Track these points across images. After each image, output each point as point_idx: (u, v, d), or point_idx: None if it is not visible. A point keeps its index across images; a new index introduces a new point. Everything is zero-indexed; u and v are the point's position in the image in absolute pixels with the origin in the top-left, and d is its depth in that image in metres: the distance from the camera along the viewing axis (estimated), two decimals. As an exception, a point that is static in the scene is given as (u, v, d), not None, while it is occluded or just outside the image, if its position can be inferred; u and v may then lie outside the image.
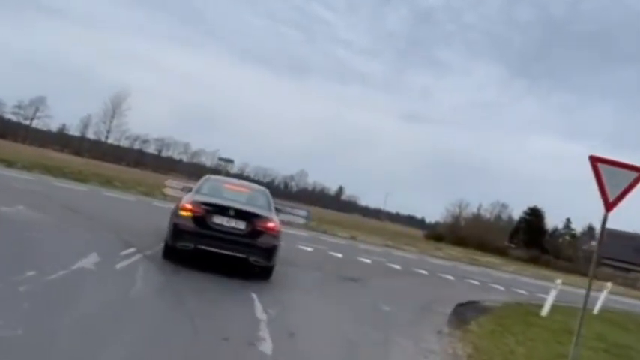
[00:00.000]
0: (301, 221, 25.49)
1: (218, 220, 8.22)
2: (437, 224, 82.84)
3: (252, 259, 8.49)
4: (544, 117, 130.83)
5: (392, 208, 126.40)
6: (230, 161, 25.31)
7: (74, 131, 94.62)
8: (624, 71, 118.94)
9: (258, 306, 7.03)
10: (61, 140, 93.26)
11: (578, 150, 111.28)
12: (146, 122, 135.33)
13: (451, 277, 16.88)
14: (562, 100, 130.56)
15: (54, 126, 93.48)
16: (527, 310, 12.84)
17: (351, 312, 8.39)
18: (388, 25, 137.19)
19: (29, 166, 25.52)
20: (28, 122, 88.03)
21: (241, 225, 8.31)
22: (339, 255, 15.67)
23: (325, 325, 7.13)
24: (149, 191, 25.11)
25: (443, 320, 9.45)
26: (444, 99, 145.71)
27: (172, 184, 24.01)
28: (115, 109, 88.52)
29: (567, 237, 59.63)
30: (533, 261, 52.57)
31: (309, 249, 15.45)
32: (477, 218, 72.31)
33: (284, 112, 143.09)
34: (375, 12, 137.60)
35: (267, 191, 10.48)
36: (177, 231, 8.22)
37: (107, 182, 27.01)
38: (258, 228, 8.46)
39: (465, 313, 11.00)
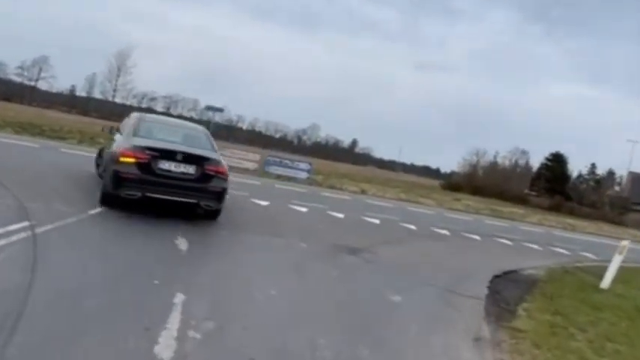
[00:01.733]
0: (304, 175, 22.45)
1: (165, 165, 7.63)
2: (453, 174, 79.77)
3: (203, 203, 8.07)
4: (562, 62, 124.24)
5: (407, 159, 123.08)
6: (219, 110, 22.07)
7: (81, 91, 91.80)
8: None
9: (173, 324, 4.04)
10: (69, 101, 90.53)
11: (597, 95, 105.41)
12: (153, 80, 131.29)
13: (477, 237, 13.77)
14: (580, 44, 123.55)
15: (59, 86, 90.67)
16: (582, 282, 9.77)
17: (340, 312, 5.37)
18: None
19: (3, 125, 22.65)
20: (32, 83, 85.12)
21: (191, 169, 7.81)
22: (341, 215, 12.60)
23: (287, 351, 4.10)
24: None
25: (478, 312, 6.46)
26: (459, 46, 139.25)
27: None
28: (119, 66, 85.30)
29: (592, 183, 55.85)
30: (556, 209, 49.27)
31: (304, 209, 12.40)
32: (494, 166, 68.81)
33: (295, 66, 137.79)
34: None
35: (207, 131, 9.62)
36: (120, 179, 7.51)
37: (90, 139, 24.13)
38: (208, 172, 7.94)
39: (504, 292, 8.00)
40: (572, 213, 47.99)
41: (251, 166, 21.68)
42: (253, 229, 8.79)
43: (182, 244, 6.78)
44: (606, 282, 9.49)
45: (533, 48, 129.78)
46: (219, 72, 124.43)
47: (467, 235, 13.92)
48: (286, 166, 22.21)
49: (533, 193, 56.92)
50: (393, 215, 15.18)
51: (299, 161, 23.21)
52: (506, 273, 9.71)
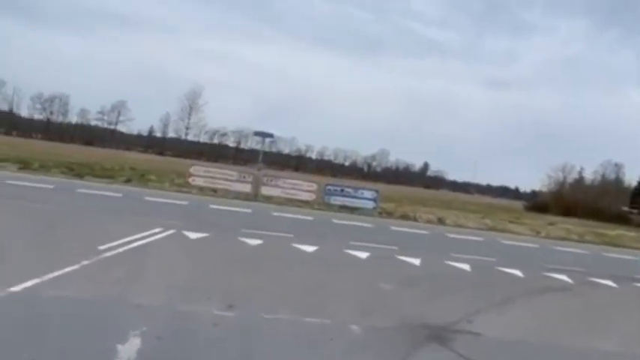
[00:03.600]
0: (370, 205, 19.00)
1: None
2: (535, 193, 73.07)
3: None
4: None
5: (482, 179, 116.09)
6: (269, 135, 19.36)
7: (157, 132, 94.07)
8: None
9: None
10: (145, 141, 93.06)
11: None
12: (224, 116, 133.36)
13: (611, 284, 9.64)
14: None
15: (137, 128, 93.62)
16: None
17: None
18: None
19: (51, 166, 21.16)
20: (112, 127, 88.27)
21: None
22: (416, 262, 9.03)
23: None
24: (183, 183, 19.64)
25: None
26: (529, 61, 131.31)
27: (199, 172, 18.40)
28: (191, 105, 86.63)
29: None
30: (666, 228, 42.16)
31: (364, 255, 8.95)
32: (581, 182, 61.77)
33: (360, 93, 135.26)
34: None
35: None
36: None
37: (140, 176, 22.20)
38: None
39: None
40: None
41: (308, 197, 18.54)
42: (279, 301, 5.51)
43: (127, 348, 3.65)
44: None
45: (609, 54, 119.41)
46: (286, 104, 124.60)
47: (594, 280, 9.83)
48: (349, 195, 18.86)
49: (634, 210, 49.64)
50: (485, 254, 11.37)
51: (363, 189, 19.77)
52: None
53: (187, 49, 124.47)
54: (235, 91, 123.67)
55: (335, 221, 14.15)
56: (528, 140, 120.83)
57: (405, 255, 9.44)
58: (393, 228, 14.47)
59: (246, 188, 18.21)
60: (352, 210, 18.27)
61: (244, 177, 18.42)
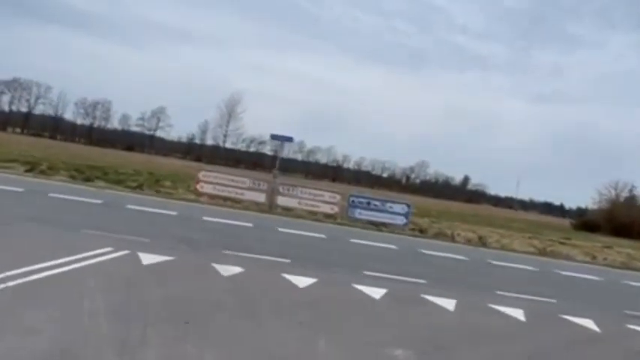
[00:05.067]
0: (401, 221, 16.50)
1: None
2: (581, 210, 68.54)
3: None
4: None
5: (525, 195, 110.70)
6: (288, 139, 17.02)
7: (196, 138, 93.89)
8: None
9: None
10: (183, 148, 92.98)
11: None
12: (262, 124, 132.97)
13: None
14: None
15: (177, 135, 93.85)
16: None
17: None
18: (506, 2, 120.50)
19: (61, 168, 19.73)
20: (151, 133, 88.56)
21: None
22: (449, 305, 6.53)
23: None
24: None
25: None
26: (577, 75, 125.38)
27: (209, 178, 16.34)
28: (229, 112, 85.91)
29: None
30: None
31: (378, 294, 6.52)
32: (634, 201, 56.97)
33: (401, 105, 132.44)
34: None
35: None
36: None
37: (155, 182, 20.54)
38: None
39: None
40: None
41: (329, 209, 16.22)
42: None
43: None
44: None
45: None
46: (326, 114, 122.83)
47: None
48: (376, 208, 16.39)
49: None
50: (541, 291, 8.72)
51: (393, 202, 17.20)
52: None
53: (230, 59, 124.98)
54: (276, 102, 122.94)
55: (353, 241, 11.69)
56: (574, 156, 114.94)
57: (435, 294, 6.97)
58: (424, 251, 11.90)
59: (260, 198, 16.07)
60: (379, 226, 15.84)
61: (258, 185, 16.27)
